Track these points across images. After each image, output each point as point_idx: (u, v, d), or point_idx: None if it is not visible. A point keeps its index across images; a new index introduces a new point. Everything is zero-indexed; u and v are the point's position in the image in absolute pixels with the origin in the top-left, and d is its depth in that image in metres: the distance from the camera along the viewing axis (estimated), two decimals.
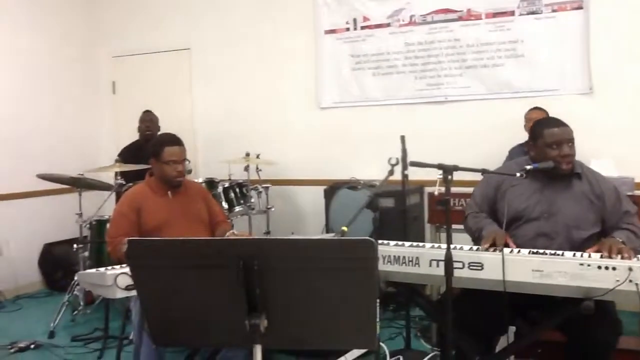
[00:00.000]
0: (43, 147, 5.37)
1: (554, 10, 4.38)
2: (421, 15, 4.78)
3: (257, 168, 4.78)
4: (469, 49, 4.64)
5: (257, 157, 4.74)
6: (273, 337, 1.58)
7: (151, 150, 3.15)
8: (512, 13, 4.51)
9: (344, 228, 2.16)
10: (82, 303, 4.40)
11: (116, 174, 4.24)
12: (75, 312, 4.35)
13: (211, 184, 4.38)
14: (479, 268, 2.16)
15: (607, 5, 4.23)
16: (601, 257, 2.12)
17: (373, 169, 4.01)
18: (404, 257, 2.28)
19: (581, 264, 2.03)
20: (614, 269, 1.99)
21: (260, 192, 4.80)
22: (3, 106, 5.11)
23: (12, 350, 3.72)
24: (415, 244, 2.39)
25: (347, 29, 5.05)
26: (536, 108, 4.15)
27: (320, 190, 4.76)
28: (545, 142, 2.46)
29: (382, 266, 2.28)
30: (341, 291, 1.54)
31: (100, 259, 4.06)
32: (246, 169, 4.62)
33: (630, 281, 1.95)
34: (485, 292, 2.19)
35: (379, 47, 4.93)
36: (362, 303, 1.55)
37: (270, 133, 5.30)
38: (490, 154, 4.23)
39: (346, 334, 1.60)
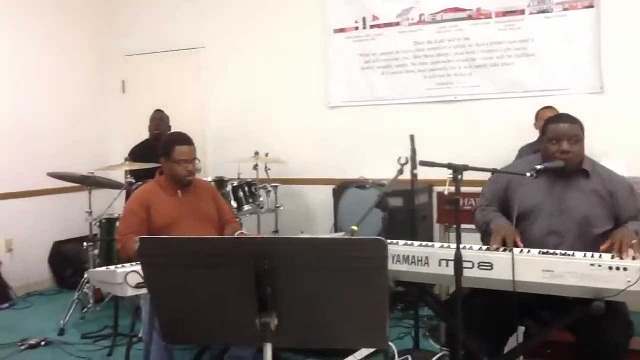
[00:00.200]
0: (53, 146, 5.41)
1: (564, 9, 4.36)
2: (431, 14, 4.77)
3: (266, 167, 4.79)
4: (479, 48, 4.63)
5: (266, 156, 4.75)
6: (283, 336, 1.58)
7: (161, 150, 3.17)
8: (522, 12, 4.49)
9: (354, 227, 2.16)
10: (91, 301, 4.43)
11: (127, 172, 4.26)
12: (85, 309, 4.38)
13: (220, 183, 4.39)
14: (489, 268, 2.15)
15: (618, 3, 4.21)
16: (612, 257, 2.11)
17: (382, 169, 4.00)
18: (413, 257, 2.28)
19: (592, 265, 2.02)
20: (625, 269, 1.97)
21: (269, 191, 4.81)
22: (14, 105, 5.15)
23: (22, 347, 3.75)
24: (424, 243, 2.39)
25: (357, 28, 5.05)
26: (548, 107, 4.13)
27: (329, 189, 4.76)
28: (547, 137, 2.47)
29: (392, 266, 2.28)
30: (352, 291, 1.54)
31: (110, 257, 4.08)
32: (255, 168, 4.63)
33: None
34: (494, 292, 2.19)
35: (388, 46, 4.92)
36: (373, 303, 1.55)
37: (280, 132, 5.31)
38: (499, 153, 4.22)
39: (357, 333, 1.61)
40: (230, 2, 5.53)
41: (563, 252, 2.18)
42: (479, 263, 2.17)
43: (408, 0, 4.83)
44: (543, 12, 4.43)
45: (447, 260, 2.19)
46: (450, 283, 2.30)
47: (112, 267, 2.51)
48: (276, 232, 4.88)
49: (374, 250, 1.50)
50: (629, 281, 1.96)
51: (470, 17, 4.65)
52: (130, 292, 2.37)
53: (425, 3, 4.78)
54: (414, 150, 3.25)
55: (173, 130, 4.80)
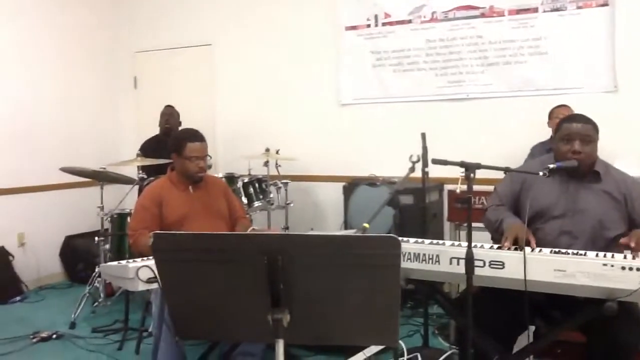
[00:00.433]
0: (65, 141, 5.46)
1: (578, 7, 4.33)
2: (443, 12, 4.75)
3: (276, 164, 4.79)
4: (491, 46, 4.60)
5: (277, 152, 4.76)
6: (295, 332, 1.58)
7: (173, 146, 3.18)
8: (535, 10, 4.46)
9: (366, 225, 2.15)
10: (102, 295, 4.46)
11: (139, 167, 4.28)
12: (96, 303, 4.42)
13: (231, 179, 4.41)
14: (500, 267, 2.14)
15: (633, 1, 4.17)
16: (624, 257, 2.10)
17: (392, 166, 4.00)
18: (424, 255, 2.27)
19: (604, 265, 2.00)
20: (638, 269, 1.96)
21: (280, 187, 4.81)
22: (26, 101, 5.19)
23: (34, 340, 3.79)
24: (435, 241, 2.38)
25: (368, 26, 5.03)
26: (562, 105, 4.10)
27: (339, 186, 4.76)
28: (560, 136, 2.46)
29: (402, 263, 2.26)
30: (364, 288, 1.54)
31: (121, 252, 4.11)
32: (266, 164, 4.63)
33: None
34: (505, 291, 2.17)
35: (399, 43, 4.91)
36: (385, 300, 1.55)
37: (290, 129, 5.32)
38: (511, 152, 4.20)
39: (368, 330, 1.61)
40: (241, 0, 5.53)
41: (575, 251, 2.17)
42: (490, 262, 2.15)
43: None
44: (556, 10, 4.40)
45: (458, 259, 2.18)
46: (460, 281, 2.30)
47: (124, 262, 2.52)
48: (286, 228, 4.89)
49: (387, 248, 1.50)
50: None
51: (482, 15, 4.62)
52: (142, 287, 2.38)
53: (437, 1, 4.76)
54: (425, 148, 3.25)
55: (184, 126, 4.82)
